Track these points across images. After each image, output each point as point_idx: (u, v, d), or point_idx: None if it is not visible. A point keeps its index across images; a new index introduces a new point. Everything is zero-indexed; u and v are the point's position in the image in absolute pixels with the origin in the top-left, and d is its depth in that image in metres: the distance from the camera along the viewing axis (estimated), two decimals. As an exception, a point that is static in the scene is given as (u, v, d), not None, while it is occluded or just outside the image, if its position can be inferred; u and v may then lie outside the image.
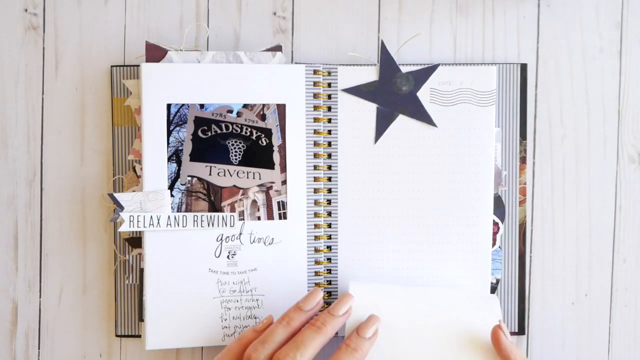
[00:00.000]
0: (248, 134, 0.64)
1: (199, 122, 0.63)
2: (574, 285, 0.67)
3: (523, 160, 0.67)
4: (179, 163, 0.63)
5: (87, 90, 0.66)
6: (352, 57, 0.67)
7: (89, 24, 0.66)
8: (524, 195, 0.67)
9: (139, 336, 0.66)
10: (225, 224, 0.64)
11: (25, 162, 0.67)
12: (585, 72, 0.67)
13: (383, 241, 0.65)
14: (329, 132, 0.65)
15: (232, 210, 0.64)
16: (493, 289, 0.66)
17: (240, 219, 0.64)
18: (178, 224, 0.63)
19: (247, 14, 0.67)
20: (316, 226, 0.65)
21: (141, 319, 0.65)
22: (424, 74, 0.65)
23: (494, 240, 0.66)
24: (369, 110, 0.65)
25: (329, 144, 0.65)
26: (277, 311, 0.63)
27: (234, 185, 0.64)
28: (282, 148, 0.64)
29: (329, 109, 0.65)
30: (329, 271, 0.65)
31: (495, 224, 0.66)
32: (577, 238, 0.67)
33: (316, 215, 0.65)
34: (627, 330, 0.67)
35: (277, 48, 0.65)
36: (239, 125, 0.64)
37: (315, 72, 0.64)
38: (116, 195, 0.62)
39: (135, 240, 0.66)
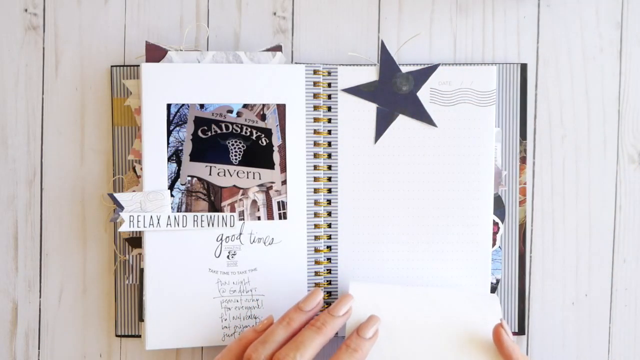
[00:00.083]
0: (248, 134, 0.64)
1: (199, 122, 0.63)
2: (574, 285, 0.67)
3: (523, 160, 0.67)
4: (179, 163, 0.63)
5: (87, 90, 0.66)
6: (352, 57, 0.67)
7: (89, 24, 0.66)
8: (524, 195, 0.67)
9: (139, 336, 0.66)
10: (225, 224, 0.64)
11: (25, 162, 0.67)
12: (585, 72, 0.67)
13: (383, 241, 0.65)
14: (329, 132, 0.65)
15: (232, 210, 0.64)
16: (493, 289, 0.66)
17: (240, 219, 0.64)
18: (178, 224, 0.63)
19: (247, 14, 0.67)
20: (316, 226, 0.65)
21: (141, 319, 0.65)
22: (424, 74, 0.65)
23: (494, 240, 0.66)
24: (369, 110, 0.65)
25: (329, 144, 0.65)
26: (277, 311, 0.63)
27: (234, 185, 0.64)
28: (282, 148, 0.64)
29: (329, 109, 0.65)
30: (329, 271, 0.65)
31: (495, 224, 0.66)
32: (577, 238, 0.67)
33: (316, 215, 0.65)
34: (627, 330, 0.67)
35: (277, 48, 0.65)
36: (239, 125, 0.64)
37: (315, 72, 0.64)
38: (116, 195, 0.62)
39: (135, 240, 0.66)
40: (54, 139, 0.66)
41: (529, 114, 0.67)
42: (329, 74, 0.65)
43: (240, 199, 0.64)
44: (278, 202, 0.64)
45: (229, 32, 0.67)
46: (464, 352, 0.59)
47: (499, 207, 0.66)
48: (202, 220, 0.63)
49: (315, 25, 0.67)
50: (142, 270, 0.65)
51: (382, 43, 0.65)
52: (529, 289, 0.67)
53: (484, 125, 0.65)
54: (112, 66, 0.66)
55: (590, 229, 0.67)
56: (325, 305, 0.64)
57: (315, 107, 0.65)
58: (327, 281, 0.65)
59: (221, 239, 0.64)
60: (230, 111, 0.64)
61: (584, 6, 0.67)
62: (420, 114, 0.65)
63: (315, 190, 0.65)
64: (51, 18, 0.66)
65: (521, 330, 0.67)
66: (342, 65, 0.65)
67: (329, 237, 0.65)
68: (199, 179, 0.64)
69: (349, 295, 0.61)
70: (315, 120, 0.65)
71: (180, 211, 0.63)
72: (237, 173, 0.64)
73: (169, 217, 0.63)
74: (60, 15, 0.66)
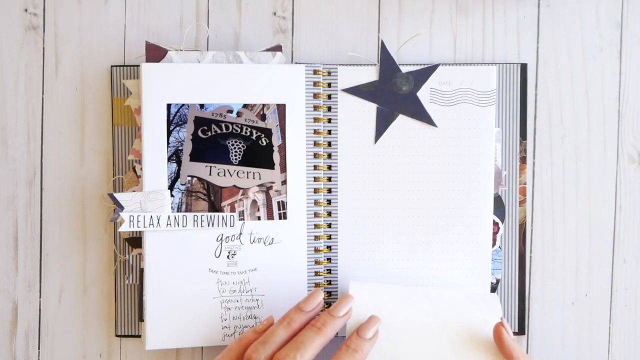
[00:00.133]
0: (248, 134, 0.64)
1: (199, 122, 0.63)
2: (574, 285, 0.67)
3: (523, 160, 0.67)
4: (179, 163, 0.63)
5: (87, 90, 0.66)
6: (352, 57, 0.67)
7: (89, 24, 0.66)
8: (524, 195, 0.67)
9: (139, 336, 0.66)
10: (225, 224, 0.64)
11: (25, 162, 0.66)
12: (585, 72, 0.67)
13: (383, 241, 0.65)
14: (329, 132, 0.65)
15: (232, 210, 0.64)
16: (493, 289, 0.66)
17: (240, 219, 0.64)
18: (178, 224, 0.63)
19: (247, 14, 0.67)
20: (316, 226, 0.65)
21: (141, 319, 0.65)
22: (424, 74, 0.65)
23: (494, 240, 0.66)
24: (369, 110, 0.65)
25: (329, 144, 0.65)
26: (277, 311, 0.63)
27: (234, 185, 0.64)
28: (282, 148, 0.64)
29: (329, 109, 0.65)
30: (329, 271, 0.65)
31: (495, 224, 0.66)
32: (577, 238, 0.67)
33: (316, 215, 0.65)
34: (627, 330, 0.67)
35: (277, 48, 0.65)
36: (239, 125, 0.64)
37: (315, 72, 0.64)
38: (116, 195, 0.62)
39: (135, 240, 0.66)
40: (54, 139, 0.66)
41: (529, 114, 0.67)
42: (329, 74, 0.65)
43: (240, 199, 0.64)
44: (278, 202, 0.64)
45: (229, 32, 0.67)
46: (464, 352, 0.59)
47: (499, 207, 0.66)
48: (202, 220, 0.63)
49: (315, 25, 0.67)
50: (142, 270, 0.65)
51: (382, 43, 0.65)
52: (529, 289, 0.67)
53: (484, 125, 0.65)
54: (112, 66, 0.66)
55: (590, 229, 0.67)
56: (326, 306, 0.64)
57: (315, 107, 0.65)
58: (327, 281, 0.65)
59: (221, 239, 0.64)
60: (230, 111, 0.64)
61: (584, 6, 0.67)
62: (420, 114, 0.65)
63: (315, 190, 0.65)
64: (51, 18, 0.66)
65: (521, 330, 0.67)
66: (342, 65, 0.65)
67: (329, 237, 0.65)
68: (199, 179, 0.64)
69: (349, 296, 0.61)
70: (315, 120, 0.65)
71: (180, 211, 0.63)
72: (237, 173, 0.64)
73: (169, 217, 0.63)
74: (60, 15, 0.66)
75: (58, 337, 0.67)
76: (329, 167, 0.65)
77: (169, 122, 0.63)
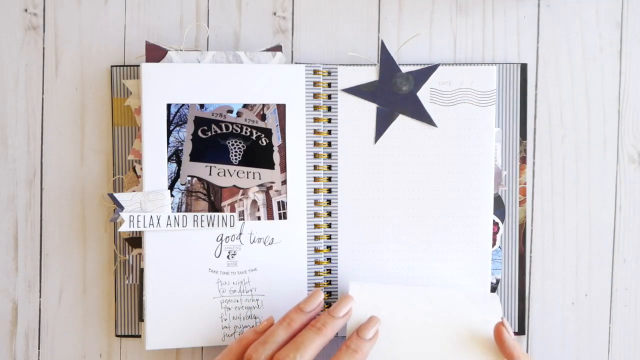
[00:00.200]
0: (248, 134, 0.64)
1: (199, 122, 0.63)
2: (574, 285, 0.67)
3: (523, 160, 0.67)
4: (179, 163, 0.63)
5: (87, 90, 0.66)
6: (352, 57, 0.67)
7: (89, 24, 0.66)
8: (524, 195, 0.67)
9: (139, 336, 0.66)
10: (225, 224, 0.64)
11: (25, 162, 0.66)
12: (585, 72, 0.67)
13: (383, 241, 0.65)
14: (329, 132, 0.65)
15: (232, 210, 0.64)
16: (493, 289, 0.66)
17: (240, 219, 0.64)
18: (178, 224, 0.63)
19: (247, 14, 0.67)
20: (316, 226, 0.65)
21: (141, 319, 0.65)
22: (424, 74, 0.65)
23: (494, 240, 0.66)
24: (369, 110, 0.65)
25: (329, 144, 0.65)
26: (277, 311, 0.63)
27: (234, 185, 0.64)
28: (282, 148, 0.64)
29: (329, 109, 0.65)
30: (329, 271, 0.65)
31: (495, 224, 0.66)
32: (577, 238, 0.67)
33: (316, 215, 0.65)
34: (627, 330, 0.67)
35: (277, 48, 0.65)
36: (239, 125, 0.64)
37: (315, 72, 0.64)
38: (116, 195, 0.62)
39: (135, 240, 0.66)
40: (54, 139, 0.66)
41: (529, 114, 0.67)
42: (329, 74, 0.65)
43: (240, 199, 0.64)
44: (278, 202, 0.64)
45: (229, 32, 0.67)
46: (464, 352, 0.59)
47: (499, 207, 0.66)
48: (202, 220, 0.63)
49: (315, 25, 0.67)
50: (142, 270, 0.65)
51: (382, 43, 0.65)
52: (529, 289, 0.67)
53: (484, 125, 0.65)
54: (112, 66, 0.66)
55: (590, 229, 0.67)
56: (326, 306, 0.64)
57: (315, 107, 0.65)
58: (327, 281, 0.65)
59: (221, 239, 0.64)
60: (230, 111, 0.64)
61: (584, 6, 0.67)
62: (420, 114, 0.65)
63: (315, 190, 0.65)
64: (51, 18, 0.66)
65: (521, 330, 0.67)
66: (342, 65, 0.65)
67: (329, 237, 0.65)
68: (199, 179, 0.64)
69: (349, 297, 0.61)
70: (315, 120, 0.65)
71: (180, 211, 0.63)
72: (237, 173, 0.64)
73: (169, 217, 0.63)
74: (60, 15, 0.66)
75: (58, 337, 0.67)
76: (329, 167, 0.65)
77: (169, 122, 0.63)
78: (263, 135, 0.64)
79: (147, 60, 0.63)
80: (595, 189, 0.67)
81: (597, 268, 0.67)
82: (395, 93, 0.65)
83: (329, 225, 0.65)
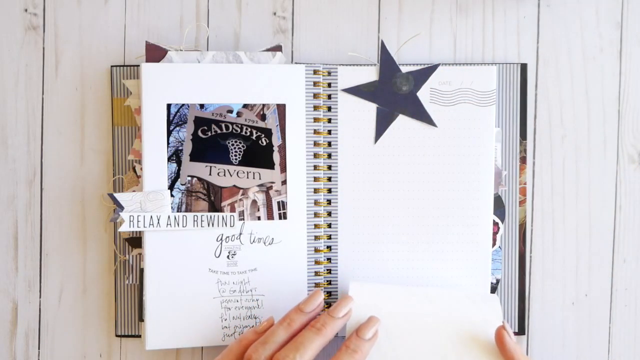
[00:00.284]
0: (248, 134, 0.64)
1: (199, 122, 0.63)
2: (574, 285, 0.67)
3: (523, 160, 0.67)
4: (179, 163, 0.63)
5: (87, 90, 0.66)
6: (352, 57, 0.67)
7: (89, 24, 0.66)
8: (524, 195, 0.67)
9: (139, 336, 0.66)
10: (225, 224, 0.64)
11: (25, 162, 0.67)
12: (585, 72, 0.67)
13: (383, 241, 0.65)
14: (329, 132, 0.65)
15: (232, 210, 0.64)
16: (493, 289, 0.66)
17: (240, 219, 0.64)
18: (178, 224, 0.63)
19: (247, 14, 0.67)
20: (316, 226, 0.65)
21: (141, 319, 0.65)
22: (424, 74, 0.65)
23: (494, 240, 0.66)
24: (369, 110, 0.65)
25: (329, 144, 0.65)
26: (277, 311, 0.63)
27: (234, 185, 0.64)
28: (282, 148, 0.64)
29: (329, 109, 0.65)
30: (329, 271, 0.65)
31: (495, 224, 0.66)
32: (577, 238, 0.67)
33: (316, 215, 0.65)
34: (627, 330, 0.67)
35: (277, 48, 0.65)
36: (239, 125, 0.64)
37: (315, 72, 0.64)
38: (116, 195, 0.62)
39: (135, 240, 0.66)
40: (54, 139, 0.66)
41: (529, 114, 0.67)
42: (329, 74, 0.65)
43: (240, 199, 0.64)
44: (278, 202, 0.64)
45: (229, 32, 0.67)
46: (464, 352, 0.60)
47: (499, 207, 0.66)
48: (202, 220, 0.63)
49: (315, 25, 0.67)
50: (142, 270, 0.65)
51: (382, 43, 0.65)
52: (529, 289, 0.67)
53: (484, 125, 0.65)
54: (112, 66, 0.66)
55: (590, 229, 0.67)
56: (326, 306, 0.64)
57: (315, 107, 0.65)
58: (327, 281, 0.65)
59: (221, 239, 0.64)
60: (230, 111, 0.64)
61: (584, 6, 0.67)
62: (420, 114, 0.65)
63: (315, 190, 0.65)
64: (51, 18, 0.66)
65: (521, 330, 0.67)
66: (342, 65, 0.65)
67: (329, 237, 0.65)
68: (199, 179, 0.64)
69: (349, 297, 0.61)
70: (315, 120, 0.65)
71: (180, 211, 0.63)
72: (237, 173, 0.64)
73: (169, 217, 0.63)
74: (60, 15, 0.66)
75: (58, 337, 0.67)
76: (329, 167, 0.65)
77: (169, 122, 0.63)
78: (263, 135, 0.64)
79: (147, 60, 0.63)
80: (595, 189, 0.67)
81: (597, 268, 0.67)
82: (395, 93, 0.65)
83: (329, 225, 0.65)
